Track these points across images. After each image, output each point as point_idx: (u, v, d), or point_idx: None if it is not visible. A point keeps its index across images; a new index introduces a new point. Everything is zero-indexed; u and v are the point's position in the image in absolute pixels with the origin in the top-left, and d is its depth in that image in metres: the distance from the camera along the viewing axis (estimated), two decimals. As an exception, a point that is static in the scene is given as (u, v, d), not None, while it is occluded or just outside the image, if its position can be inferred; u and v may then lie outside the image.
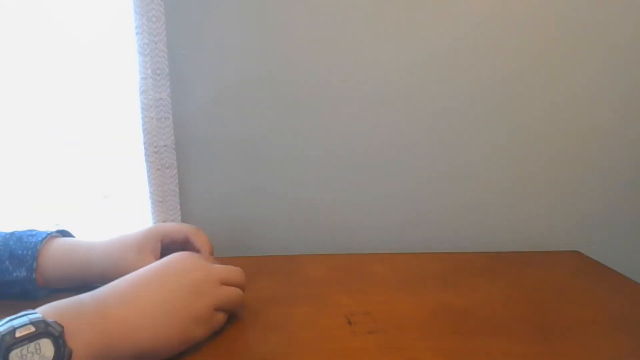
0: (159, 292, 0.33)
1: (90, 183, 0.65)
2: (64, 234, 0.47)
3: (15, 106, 0.61)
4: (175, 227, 0.47)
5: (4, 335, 0.25)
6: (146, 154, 0.58)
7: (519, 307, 0.45)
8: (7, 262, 0.41)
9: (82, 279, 0.43)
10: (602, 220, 0.66)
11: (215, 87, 0.60)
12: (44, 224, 0.47)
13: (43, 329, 0.26)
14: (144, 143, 0.58)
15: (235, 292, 0.39)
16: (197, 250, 0.45)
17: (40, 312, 0.27)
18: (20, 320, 0.26)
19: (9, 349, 0.24)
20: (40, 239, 0.42)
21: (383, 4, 0.58)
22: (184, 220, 0.63)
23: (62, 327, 0.27)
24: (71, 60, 0.59)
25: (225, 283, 0.38)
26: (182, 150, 0.61)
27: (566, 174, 0.64)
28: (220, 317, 0.37)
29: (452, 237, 0.65)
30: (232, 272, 0.39)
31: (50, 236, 0.44)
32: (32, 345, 0.25)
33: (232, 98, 0.60)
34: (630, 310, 0.45)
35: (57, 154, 0.63)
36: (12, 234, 0.43)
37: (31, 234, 0.43)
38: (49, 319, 0.26)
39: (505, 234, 0.66)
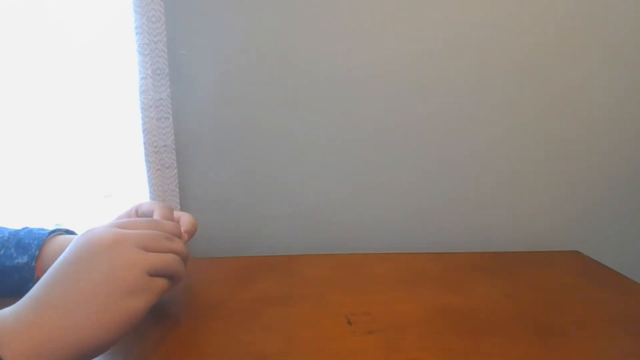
0: (75, 283, 0.30)
1: (90, 183, 0.65)
2: (70, 234, 0.47)
3: (15, 106, 0.61)
4: (148, 203, 0.44)
5: None
6: (146, 154, 0.58)
7: (519, 307, 0.45)
8: (12, 249, 0.42)
9: None
10: (602, 220, 0.66)
11: (215, 87, 0.60)
12: (44, 224, 0.47)
13: None
14: (144, 143, 0.58)
15: (165, 256, 0.35)
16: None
17: None
18: None
19: None
20: (49, 232, 0.43)
21: (383, 4, 0.58)
22: (184, 220, 0.63)
23: None
24: (71, 60, 0.59)
25: (149, 248, 0.34)
26: (182, 150, 0.61)
27: (566, 173, 0.64)
28: (160, 282, 0.34)
29: (452, 237, 0.65)
30: (153, 236, 0.35)
31: (58, 232, 0.44)
32: None
33: (232, 98, 0.60)
34: (630, 310, 0.45)
35: (57, 153, 0.63)
36: (25, 227, 0.44)
37: (42, 229, 0.44)
38: None
39: (505, 234, 0.66)
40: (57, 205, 0.65)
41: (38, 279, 0.42)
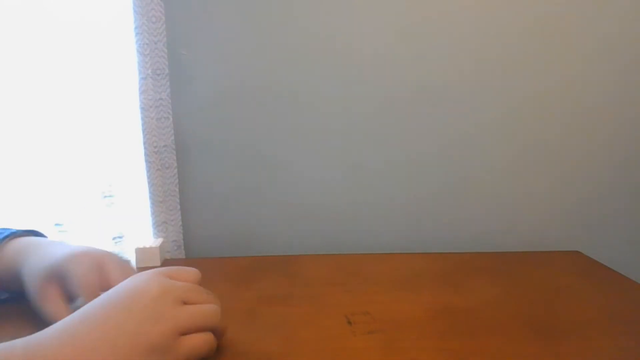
0: (104, 323, 0.28)
1: (90, 183, 0.65)
2: (35, 234, 0.44)
3: (15, 106, 0.61)
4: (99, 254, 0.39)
5: None
6: (146, 154, 0.58)
7: (519, 307, 0.45)
8: None
9: (19, 288, 0.40)
10: (602, 220, 0.66)
11: (215, 87, 0.60)
12: (44, 224, 0.47)
13: None
14: (144, 143, 0.58)
15: (204, 309, 0.32)
16: None
17: None
18: None
19: None
20: (6, 234, 0.41)
21: (384, 4, 0.58)
22: (184, 220, 0.63)
23: None
24: (71, 60, 0.59)
25: (189, 301, 0.32)
26: (182, 150, 0.61)
27: (566, 173, 0.64)
28: (189, 341, 0.30)
29: (452, 237, 0.65)
30: (197, 289, 0.34)
31: (14, 235, 0.42)
32: None
33: (232, 98, 0.60)
34: (630, 310, 0.45)
35: (57, 153, 0.63)
36: None
37: (3, 229, 0.42)
38: None
39: (505, 234, 0.66)
40: (57, 205, 0.65)
41: None
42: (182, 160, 0.61)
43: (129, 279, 0.32)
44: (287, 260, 0.57)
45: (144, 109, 0.56)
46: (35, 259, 0.38)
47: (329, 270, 0.54)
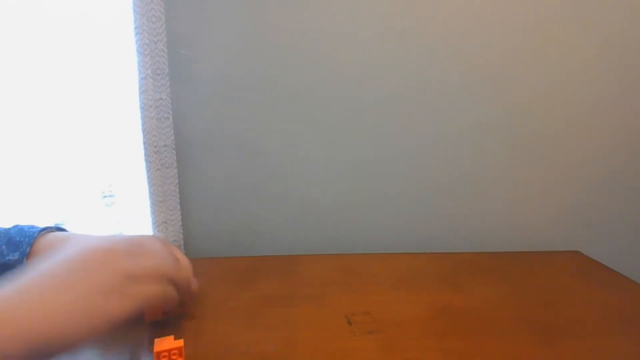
0: (53, 276, 0.29)
1: (90, 183, 0.65)
2: (59, 230, 0.47)
3: (15, 106, 0.61)
4: None
5: None
6: (146, 154, 0.58)
7: (519, 307, 0.45)
8: (3, 247, 0.42)
9: None
10: (602, 220, 0.66)
11: (215, 87, 0.60)
12: (45, 224, 0.47)
13: None
14: (144, 143, 0.58)
15: (152, 262, 0.33)
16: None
17: None
18: None
19: None
20: (39, 229, 0.43)
21: (384, 4, 0.58)
22: (184, 220, 0.63)
23: None
24: (71, 59, 0.59)
25: (141, 256, 0.33)
26: (182, 150, 0.61)
27: (566, 173, 0.64)
28: (144, 289, 0.31)
29: (452, 237, 0.65)
30: (151, 252, 0.34)
31: (49, 229, 0.44)
32: None
33: (232, 98, 0.60)
34: (630, 310, 0.45)
35: (57, 153, 0.63)
36: (15, 225, 0.44)
37: (32, 226, 0.44)
38: None
39: (505, 234, 0.66)
40: (57, 205, 0.65)
41: None
42: (182, 160, 0.61)
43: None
44: (287, 260, 0.57)
45: (144, 109, 0.56)
46: (79, 240, 0.40)
47: (329, 270, 0.54)
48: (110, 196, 0.66)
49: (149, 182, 0.59)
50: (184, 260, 0.40)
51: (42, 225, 0.46)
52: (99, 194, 0.66)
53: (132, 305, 0.30)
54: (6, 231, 0.43)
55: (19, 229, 0.43)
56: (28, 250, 0.41)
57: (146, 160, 0.58)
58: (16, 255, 0.41)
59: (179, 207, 0.62)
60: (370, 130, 0.62)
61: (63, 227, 0.47)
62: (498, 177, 0.64)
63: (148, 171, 0.58)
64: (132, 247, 0.33)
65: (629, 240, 0.66)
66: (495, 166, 0.64)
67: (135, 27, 0.54)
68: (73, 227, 0.49)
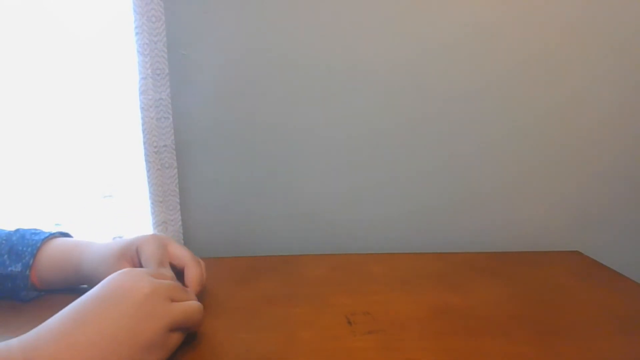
0: (98, 323, 0.28)
1: (90, 183, 0.65)
2: (66, 236, 0.46)
3: (15, 106, 0.61)
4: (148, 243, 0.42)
5: None
6: (146, 154, 0.58)
7: (519, 307, 0.45)
8: (5, 256, 0.41)
9: (77, 280, 0.43)
10: (602, 220, 0.66)
11: (215, 87, 0.60)
12: (44, 224, 0.47)
13: None
14: (144, 143, 0.58)
15: (191, 306, 0.34)
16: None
17: None
18: None
19: None
20: (42, 237, 0.42)
21: (385, 3, 0.58)
22: (184, 220, 0.63)
23: None
24: (71, 59, 0.59)
25: (175, 299, 0.33)
26: (182, 150, 0.61)
27: (566, 173, 0.64)
28: (175, 337, 0.33)
29: (452, 237, 0.65)
30: (180, 288, 0.35)
31: (52, 236, 0.44)
32: None
33: (232, 98, 0.60)
34: (630, 310, 0.45)
35: (57, 153, 0.63)
36: (17, 230, 0.43)
37: (35, 232, 0.43)
38: None
39: (505, 234, 0.66)
40: (57, 205, 0.65)
41: (33, 285, 0.42)
42: (182, 160, 0.61)
43: (113, 275, 0.32)
44: (287, 260, 0.57)
45: (144, 109, 0.56)
46: (97, 249, 0.42)
47: (329, 270, 0.54)
48: (110, 196, 0.66)
49: (149, 182, 0.59)
50: (194, 270, 0.42)
51: (42, 226, 0.46)
52: (99, 194, 0.66)
53: (166, 354, 0.32)
54: (8, 237, 0.42)
55: (20, 236, 0.42)
56: (31, 262, 0.41)
57: (146, 160, 0.58)
58: (19, 267, 0.41)
59: (179, 207, 0.62)
60: (369, 131, 0.62)
61: (66, 231, 0.47)
62: (498, 178, 0.64)
63: (148, 171, 0.59)
64: (171, 292, 0.33)
65: (629, 240, 0.66)
66: (495, 166, 0.63)
67: (135, 27, 0.54)
68: (73, 227, 0.49)
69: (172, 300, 0.33)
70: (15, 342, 0.27)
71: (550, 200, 0.65)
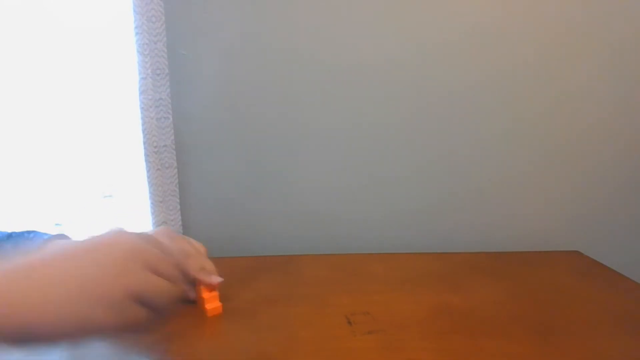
0: (66, 265, 0.28)
1: (90, 183, 0.65)
2: (62, 237, 0.45)
3: (15, 106, 0.61)
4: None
5: None
6: (146, 154, 0.58)
7: (519, 307, 0.45)
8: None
9: None
10: (602, 220, 0.66)
11: (215, 87, 0.60)
12: (44, 224, 0.47)
13: None
14: (144, 143, 0.58)
15: (164, 284, 0.31)
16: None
17: None
18: None
19: None
20: (37, 242, 0.41)
21: (385, 3, 0.58)
22: (184, 220, 0.63)
23: None
24: (71, 59, 0.59)
25: (157, 272, 0.31)
26: (182, 150, 0.61)
27: (566, 173, 0.64)
28: (137, 310, 0.30)
29: (452, 237, 0.65)
30: (168, 263, 0.32)
31: (50, 239, 0.42)
32: None
33: (232, 98, 0.60)
34: (631, 310, 0.45)
35: (57, 153, 0.63)
36: (11, 235, 0.42)
37: (30, 233, 0.42)
38: None
39: (505, 233, 0.66)
40: (57, 205, 0.65)
41: None
42: (182, 160, 0.61)
43: (112, 229, 0.32)
44: (287, 260, 0.57)
45: (144, 109, 0.56)
46: None
47: (329, 270, 0.54)
48: (110, 196, 0.66)
49: (148, 182, 0.59)
50: (194, 248, 0.43)
51: (42, 227, 0.45)
52: (99, 194, 0.66)
53: (125, 322, 0.29)
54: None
55: (14, 240, 0.41)
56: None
57: (146, 160, 0.58)
58: None
59: (179, 207, 0.62)
60: (370, 131, 0.62)
61: (63, 233, 0.46)
62: (498, 178, 0.64)
63: (148, 171, 0.58)
64: (155, 262, 0.31)
65: (629, 240, 0.66)
66: (495, 166, 0.63)
67: (135, 27, 0.54)
68: (73, 227, 0.49)
69: (153, 272, 0.30)
70: None
71: (550, 200, 0.65)
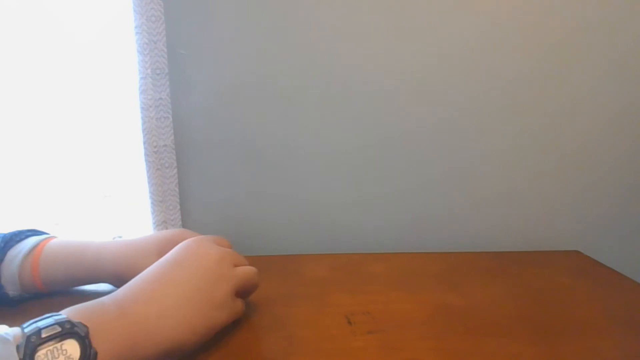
0: (177, 286, 0.33)
1: (90, 183, 0.65)
2: (37, 233, 0.45)
3: (14, 106, 0.61)
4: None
5: (29, 336, 0.24)
6: (146, 154, 0.58)
7: (519, 307, 0.45)
8: None
9: (88, 279, 0.44)
10: (602, 220, 0.66)
11: (215, 87, 0.60)
12: (44, 224, 0.47)
13: (69, 330, 0.26)
14: (144, 143, 0.58)
15: (250, 270, 0.39)
16: None
17: (64, 314, 0.27)
18: (46, 322, 0.26)
19: (35, 350, 0.24)
20: (28, 247, 0.42)
21: (389, 7, 0.58)
22: (184, 220, 0.63)
23: (87, 327, 0.26)
24: (71, 59, 0.59)
25: (237, 264, 0.38)
26: (182, 150, 0.61)
27: (566, 174, 0.64)
28: (239, 303, 0.38)
29: (452, 237, 0.65)
30: (237, 254, 0.40)
31: (43, 240, 0.43)
32: (58, 345, 0.25)
33: (232, 98, 0.60)
34: (631, 310, 0.45)
35: (56, 153, 0.63)
36: (4, 237, 0.42)
37: (19, 239, 0.42)
38: (74, 320, 0.26)
39: (505, 234, 0.66)
40: (56, 206, 0.65)
41: (35, 288, 0.42)
42: (182, 160, 0.61)
43: (185, 243, 0.37)
44: (287, 260, 0.57)
45: (144, 108, 0.56)
46: (122, 247, 0.43)
47: (329, 270, 0.54)
48: (110, 196, 0.66)
49: (148, 182, 0.59)
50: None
51: (41, 226, 0.45)
52: (99, 194, 0.66)
53: (233, 316, 0.37)
54: None
55: (8, 244, 0.41)
56: (18, 283, 0.41)
57: (146, 160, 0.58)
58: None
59: (178, 207, 0.62)
60: (371, 131, 0.62)
61: (36, 229, 0.46)
62: (498, 177, 0.64)
63: (148, 171, 0.58)
64: (234, 258, 0.38)
65: (629, 240, 0.66)
66: (496, 166, 0.63)
67: (135, 27, 0.54)
68: (73, 227, 0.49)
69: (235, 265, 0.38)
70: (107, 299, 0.31)
71: (550, 200, 0.65)
